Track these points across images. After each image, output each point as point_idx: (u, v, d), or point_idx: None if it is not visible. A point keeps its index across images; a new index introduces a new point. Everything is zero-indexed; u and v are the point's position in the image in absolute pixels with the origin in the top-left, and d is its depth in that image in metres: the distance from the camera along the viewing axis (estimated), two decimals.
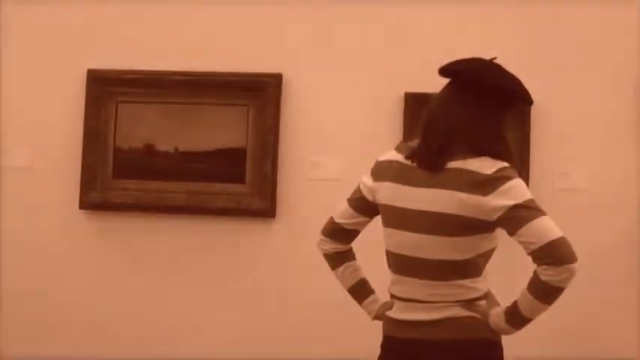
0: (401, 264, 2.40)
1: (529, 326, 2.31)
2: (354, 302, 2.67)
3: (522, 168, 3.69)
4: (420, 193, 2.31)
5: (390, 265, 2.47)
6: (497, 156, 2.28)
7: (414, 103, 3.71)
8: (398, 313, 2.44)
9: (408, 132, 3.70)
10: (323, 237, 2.61)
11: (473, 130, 2.30)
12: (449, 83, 2.41)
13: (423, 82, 3.32)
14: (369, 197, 2.49)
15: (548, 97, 3.74)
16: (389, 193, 2.40)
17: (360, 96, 3.88)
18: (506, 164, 2.27)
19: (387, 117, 3.84)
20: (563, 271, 2.13)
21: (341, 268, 2.61)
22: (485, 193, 2.21)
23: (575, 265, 2.13)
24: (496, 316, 2.33)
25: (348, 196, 2.57)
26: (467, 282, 2.34)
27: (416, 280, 2.36)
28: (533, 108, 3.64)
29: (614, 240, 3.78)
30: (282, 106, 3.90)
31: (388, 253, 2.46)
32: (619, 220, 3.78)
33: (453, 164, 2.27)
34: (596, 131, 3.80)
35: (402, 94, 3.82)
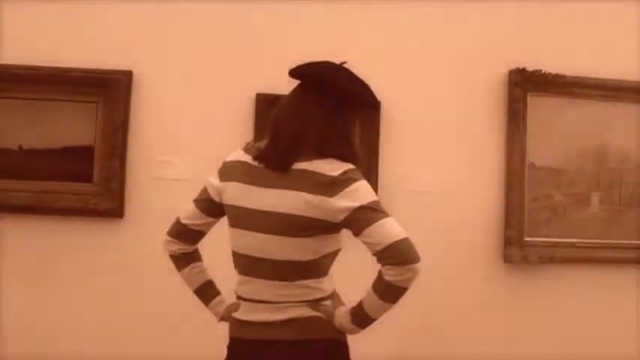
0: (247, 264, 2.40)
1: (376, 325, 2.35)
2: (200, 303, 2.66)
3: (371, 170, 3.76)
4: (266, 194, 2.31)
5: (236, 266, 2.47)
6: (342, 158, 2.31)
7: (266, 104, 3.71)
8: (244, 314, 2.44)
9: (258, 133, 3.70)
10: (169, 238, 2.58)
11: (319, 132, 2.32)
12: (298, 85, 2.43)
13: (274, 83, 3.34)
14: (216, 198, 2.48)
15: (397, 100, 3.82)
16: (235, 194, 2.40)
17: (211, 96, 3.87)
18: (351, 166, 2.30)
19: (238, 117, 3.84)
20: (406, 271, 2.17)
21: (187, 269, 2.60)
22: (330, 195, 2.23)
23: (418, 265, 2.18)
24: (341, 316, 2.36)
25: (195, 197, 2.55)
26: (312, 282, 2.37)
27: (262, 280, 2.37)
28: (382, 111, 3.74)
29: (460, 240, 3.91)
30: (132, 103, 3.83)
31: (234, 254, 2.46)
32: (465, 221, 3.91)
33: (299, 165, 2.29)
34: (434, 135, 3.92)
35: (254, 95, 3.82)
